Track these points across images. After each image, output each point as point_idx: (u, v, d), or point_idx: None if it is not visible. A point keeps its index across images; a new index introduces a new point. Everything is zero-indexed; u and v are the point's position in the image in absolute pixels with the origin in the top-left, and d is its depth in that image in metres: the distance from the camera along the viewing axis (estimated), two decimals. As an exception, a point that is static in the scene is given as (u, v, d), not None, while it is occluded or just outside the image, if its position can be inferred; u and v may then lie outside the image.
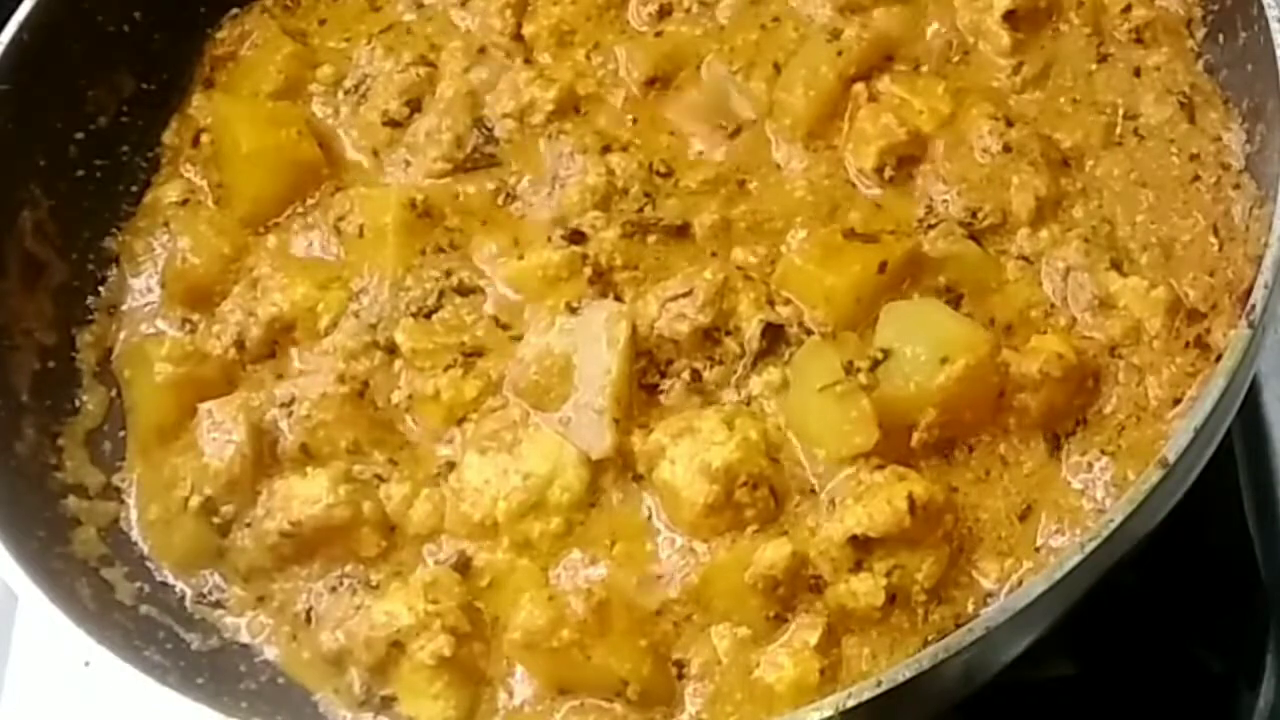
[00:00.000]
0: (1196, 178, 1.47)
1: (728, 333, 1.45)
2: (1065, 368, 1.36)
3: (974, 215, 1.48)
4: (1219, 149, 1.48)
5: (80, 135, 1.65)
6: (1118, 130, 1.53)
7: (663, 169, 1.56)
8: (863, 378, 1.34)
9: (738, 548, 1.35)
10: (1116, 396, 1.38)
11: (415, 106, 1.65)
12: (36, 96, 1.59)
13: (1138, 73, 1.55)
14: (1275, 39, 1.37)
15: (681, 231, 1.52)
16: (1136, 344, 1.40)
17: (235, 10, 1.77)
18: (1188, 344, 1.38)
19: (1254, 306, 1.25)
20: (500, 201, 1.58)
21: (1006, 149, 1.50)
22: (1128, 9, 1.57)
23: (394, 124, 1.65)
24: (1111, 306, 1.42)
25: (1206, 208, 1.45)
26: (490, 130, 1.62)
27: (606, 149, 1.58)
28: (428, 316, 1.51)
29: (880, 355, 1.35)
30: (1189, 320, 1.39)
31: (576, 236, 1.51)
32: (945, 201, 1.49)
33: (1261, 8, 1.41)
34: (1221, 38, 1.50)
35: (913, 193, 1.51)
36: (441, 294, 1.52)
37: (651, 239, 1.52)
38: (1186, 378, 1.36)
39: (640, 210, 1.54)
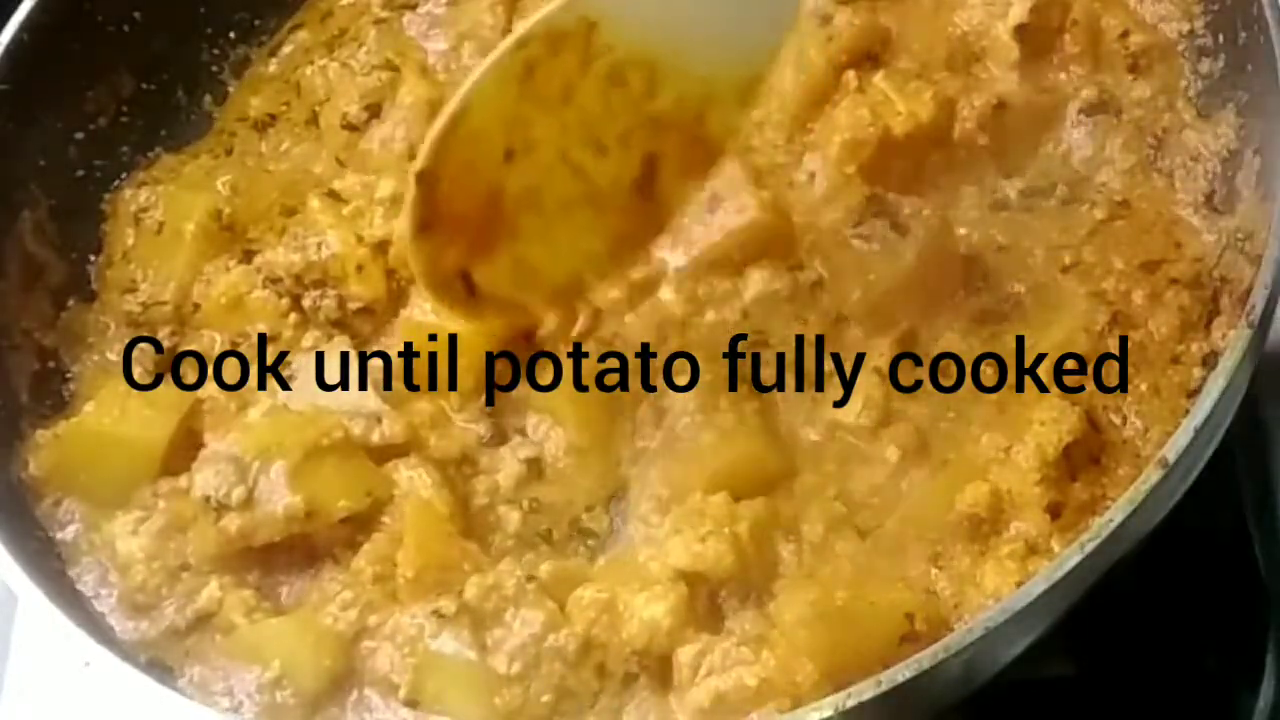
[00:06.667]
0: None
1: None
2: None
3: None
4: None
5: (80, 135, 1.65)
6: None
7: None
8: None
9: None
10: None
11: (374, 112, 1.63)
12: (36, 96, 1.59)
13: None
14: (1275, 39, 1.37)
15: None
16: None
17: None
18: None
19: (1254, 306, 1.25)
20: None
21: None
22: (1126, 34, 1.55)
23: (351, 128, 1.63)
24: None
25: None
26: None
27: None
28: None
29: None
30: None
31: None
32: None
33: (1261, 8, 1.40)
34: (1221, 38, 1.50)
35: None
36: None
37: None
38: None
39: None
